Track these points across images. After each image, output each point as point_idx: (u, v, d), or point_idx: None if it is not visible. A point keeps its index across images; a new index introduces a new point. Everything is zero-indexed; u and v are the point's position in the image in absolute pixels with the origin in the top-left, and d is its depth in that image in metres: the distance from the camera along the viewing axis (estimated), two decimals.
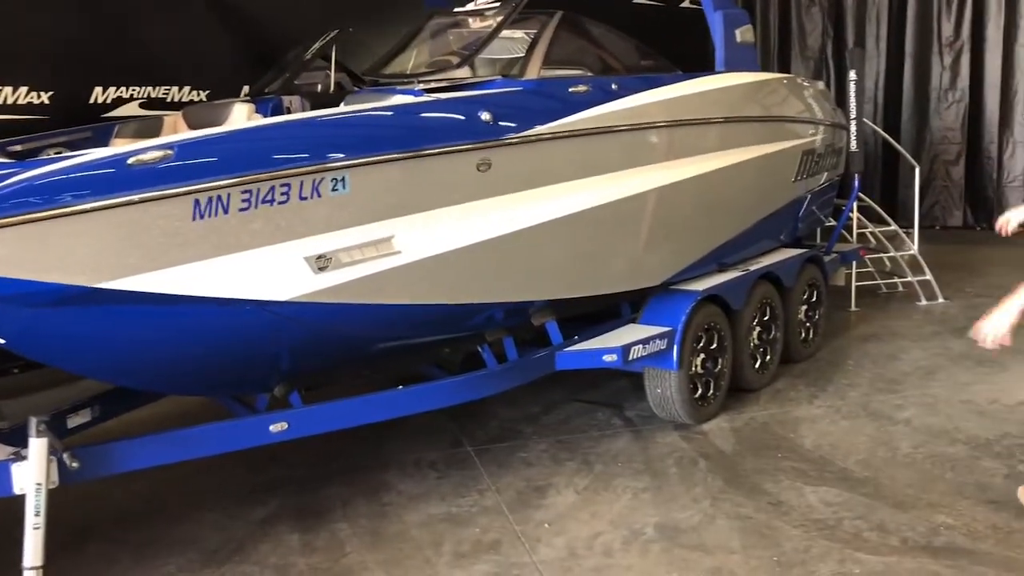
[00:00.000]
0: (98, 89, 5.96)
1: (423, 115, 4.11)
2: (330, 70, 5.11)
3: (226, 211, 3.36)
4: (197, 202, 3.29)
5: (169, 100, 6.35)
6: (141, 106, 6.23)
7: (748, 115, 5.90)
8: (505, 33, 4.95)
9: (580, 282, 4.95)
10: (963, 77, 11.89)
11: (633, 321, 5.45)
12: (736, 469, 4.86)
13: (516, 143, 4.30)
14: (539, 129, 4.41)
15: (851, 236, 8.62)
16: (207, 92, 6.45)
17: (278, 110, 4.79)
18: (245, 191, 3.38)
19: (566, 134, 4.54)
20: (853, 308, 8.34)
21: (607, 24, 5.82)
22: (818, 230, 8.45)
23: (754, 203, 6.12)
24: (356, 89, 4.92)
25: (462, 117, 4.15)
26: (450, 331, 4.69)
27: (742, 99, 5.92)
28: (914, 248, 8.89)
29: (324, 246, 3.66)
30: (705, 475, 4.79)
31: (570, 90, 4.70)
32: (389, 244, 3.88)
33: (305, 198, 3.55)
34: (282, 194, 3.48)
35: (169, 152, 3.24)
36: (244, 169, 3.37)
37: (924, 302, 8.49)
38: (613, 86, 4.95)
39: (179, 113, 5.00)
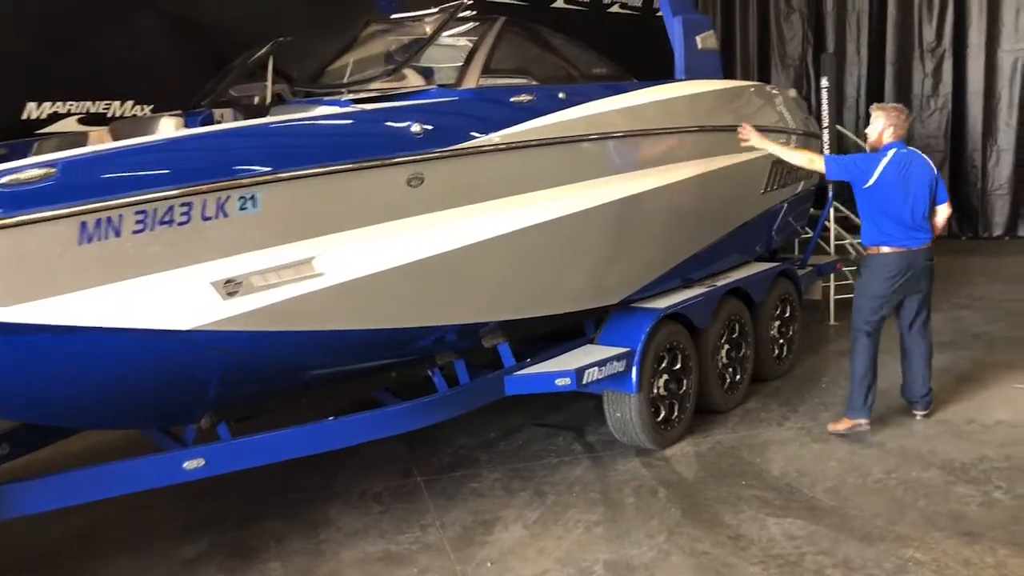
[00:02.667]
0: (31, 104, 5.70)
1: (346, 127, 3.84)
2: (267, 81, 4.83)
3: (118, 234, 3.09)
4: (84, 224, 3.02)
5: (110, 115, 6.09)
6: (80, 122, 5.97)
7: (709, 124, 5.62)
8: (446, 41, 4.69)
9: (529, 302, 4.67)
10: (945, 83, 11.64)
11: (591, 342, 5.18)
12: (697, 499, 4.58)
13: (451, 156, 4.02)
14: (477, 141, 4.14)
15: (829, 248, 8.38)
16: (151, 106, 6.19)
17: (208, 123, 4.51)
18: (139, 212, 3.11)
19: (507, 146, 4.26)
20: (832, 322, 8.08)
21: (578, 33, 5.58)
22: (796, 242, 8.23)
23: (719, 216, 5.85)
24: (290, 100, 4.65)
25: (390, 129, 3.88)
26: (390, 356, 4.42)
27: (703, 108, 5.64)
28: None
29: (233, 269, 3.38)
30: (664, 505, 4.51)
31: (512, 99, 4.43)
32: (309, 266, 3.61)
33: (209, 218, 3.27)
34: (182, 214, 3.21)
35: (51, 170, 2.96)
36: (136, 188, 3.10)
37: None
38: (560, 95, 4.66)
39: (106, 128, 4.74)
